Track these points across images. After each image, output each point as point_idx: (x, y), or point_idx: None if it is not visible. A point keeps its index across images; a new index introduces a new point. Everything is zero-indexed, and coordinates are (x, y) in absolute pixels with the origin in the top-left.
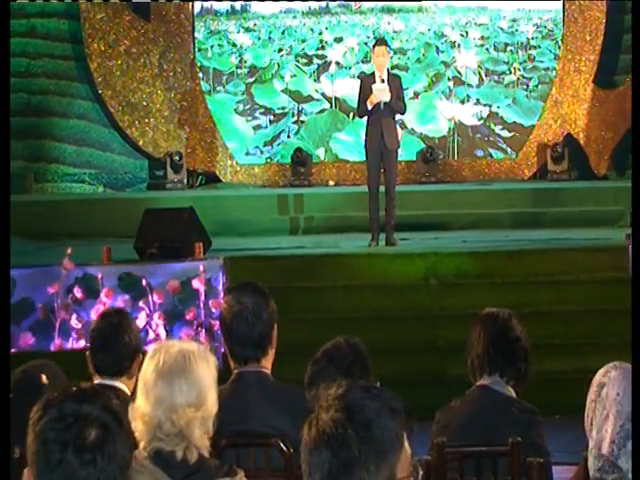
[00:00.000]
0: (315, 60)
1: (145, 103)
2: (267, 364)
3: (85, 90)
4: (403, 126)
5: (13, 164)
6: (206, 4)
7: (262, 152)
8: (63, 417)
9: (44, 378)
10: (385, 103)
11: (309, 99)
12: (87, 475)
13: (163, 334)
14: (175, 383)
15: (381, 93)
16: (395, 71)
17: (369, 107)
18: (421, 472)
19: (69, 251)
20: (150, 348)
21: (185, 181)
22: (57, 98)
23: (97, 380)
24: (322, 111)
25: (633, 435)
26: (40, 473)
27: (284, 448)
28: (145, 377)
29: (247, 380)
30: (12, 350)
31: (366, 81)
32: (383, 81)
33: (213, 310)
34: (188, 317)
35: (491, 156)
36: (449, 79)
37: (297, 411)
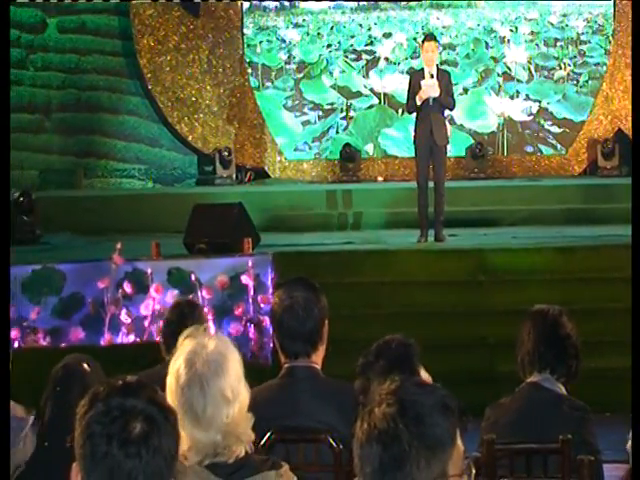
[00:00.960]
0: (364, 56)
1: (194, 99)
2: (317, 359)
3: (135, 86)
4: (452, 122)
5: (63, 159)
6: (255, 2)
7: (311, 148)
8: (109, 411)
9: (85, 366)
10: (434, 99)
11: (358, 95)
12: (132, 468)
13: (212, 329)
14: (218, 397)
15: (430, 89)
16: (444, 66)
17: (418, 103)
18: (474, 471)
19: (119, 246)
20: (174, 364)
21: (234, 177)
22: (107, 94)
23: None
24: (371, 107)
25: (633, 435)
26: (86, 467)
27: (333, 443)
28: (191, 405)
29: (297, 375)
30: (62, 344)
31: (415, 77)
32: (432, 77)
33: (262, 305)
34: (237, 312)
35: (541, 152)
36: (498, 75)
37: (347, 407)
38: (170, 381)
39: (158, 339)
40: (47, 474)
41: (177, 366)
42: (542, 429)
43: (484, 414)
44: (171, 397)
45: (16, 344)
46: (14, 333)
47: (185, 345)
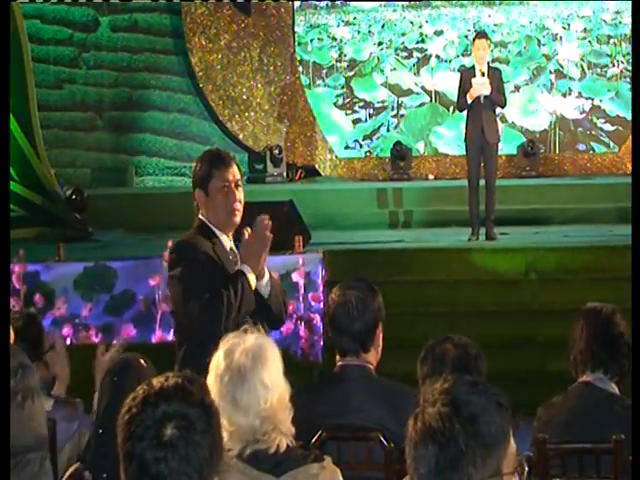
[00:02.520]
0: (415, 53)
1: (245, 97)
2: (370, 359)
3: (186, 84)
4: (503, 119)
5: (115, 157)
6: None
7: (361, 146)
8: (145, 413)
9: (142, 362)
10: (485, 96)
11: (409, 93)
12: (170, 471)
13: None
14: (257, 384)
15: (481, 86)
16: (496, 64)
17: (469, 101)
18: (526, 469)
19: (170, 244)
20: (214, 358)
21: (285, 175)
22: (158, 92)
23: None
24: (422, 105)
25: (633, 434)
26: (125, 469)
27: (384, 442)
28: (229, 391)
29: (349, 374)
30: (114, 341)
31: (466, 74)
32: (483, 74)
33: (312, 303)
34: (287, 310)
35: (593, 150)
36: (550, 72)
37: (398, 406)
38: (210, 373)
39: None
40: (101, 463)
41: (217, 358)
42: (595, 429)
43: (535, 413)
44: (210, 387)
45: (68, 341)
46: (66, 330)
47: (226, 343)
